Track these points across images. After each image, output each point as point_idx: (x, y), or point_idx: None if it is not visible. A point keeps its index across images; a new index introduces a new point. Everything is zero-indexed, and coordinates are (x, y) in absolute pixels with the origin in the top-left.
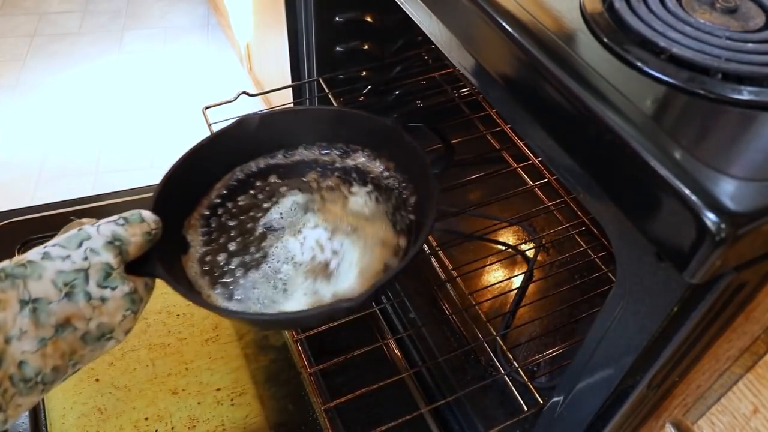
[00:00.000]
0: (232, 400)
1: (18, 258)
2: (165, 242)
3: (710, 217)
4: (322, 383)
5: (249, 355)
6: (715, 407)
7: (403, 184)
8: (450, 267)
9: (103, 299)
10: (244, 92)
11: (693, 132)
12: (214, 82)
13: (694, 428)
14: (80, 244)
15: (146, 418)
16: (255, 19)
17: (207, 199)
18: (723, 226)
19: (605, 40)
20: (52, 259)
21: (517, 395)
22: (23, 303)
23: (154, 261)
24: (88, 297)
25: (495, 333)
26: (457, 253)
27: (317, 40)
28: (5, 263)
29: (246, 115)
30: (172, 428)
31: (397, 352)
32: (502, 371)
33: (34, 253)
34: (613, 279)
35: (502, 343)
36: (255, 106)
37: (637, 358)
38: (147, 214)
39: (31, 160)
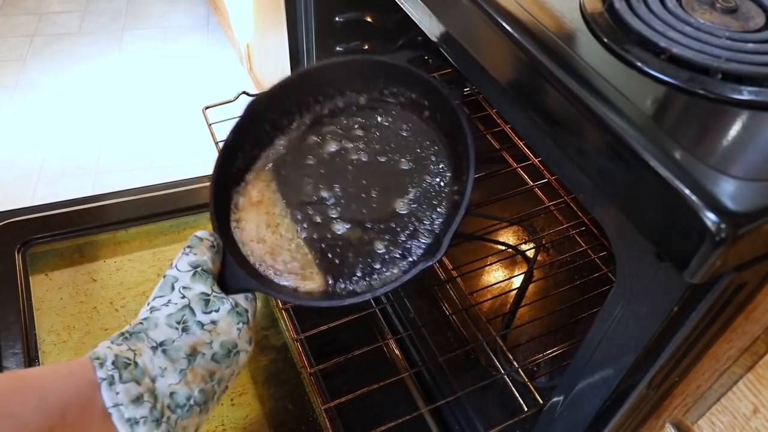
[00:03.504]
0: (232, 400)
1: (133, 322)
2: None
3: (710, 217)
4: (322, 383)
5: None
6: (715, 407)
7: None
8: (450, 267)
9: (213, 322)
10: (244, 92)
11: (693, 132)
12: (214, 82)
13: (694, 428)
14: (173, 288)
15: None
16: (255, 19)
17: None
18: (723, 226)
19: (605, 40)
20: (158, 309)
21: (517, 395)
22: (153, 348)
23: (241, 276)
24: (201, 325)
25: (495, 333)
26: (457, 253)
27: (317, 40)
28: (125, 328)
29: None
30: None
31: (397, 352)
32: (502, 371)
33: (143, 312)
34: (613, 279)
35: (502, 343)
36: None
37: (637, 358)
38: (201, 233)
39: (31, 160)
